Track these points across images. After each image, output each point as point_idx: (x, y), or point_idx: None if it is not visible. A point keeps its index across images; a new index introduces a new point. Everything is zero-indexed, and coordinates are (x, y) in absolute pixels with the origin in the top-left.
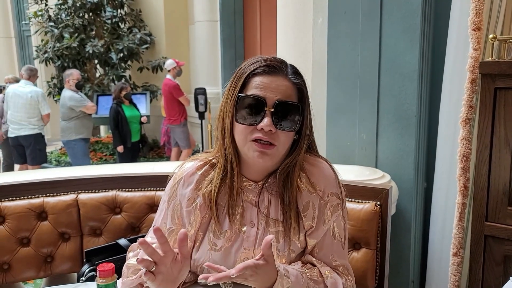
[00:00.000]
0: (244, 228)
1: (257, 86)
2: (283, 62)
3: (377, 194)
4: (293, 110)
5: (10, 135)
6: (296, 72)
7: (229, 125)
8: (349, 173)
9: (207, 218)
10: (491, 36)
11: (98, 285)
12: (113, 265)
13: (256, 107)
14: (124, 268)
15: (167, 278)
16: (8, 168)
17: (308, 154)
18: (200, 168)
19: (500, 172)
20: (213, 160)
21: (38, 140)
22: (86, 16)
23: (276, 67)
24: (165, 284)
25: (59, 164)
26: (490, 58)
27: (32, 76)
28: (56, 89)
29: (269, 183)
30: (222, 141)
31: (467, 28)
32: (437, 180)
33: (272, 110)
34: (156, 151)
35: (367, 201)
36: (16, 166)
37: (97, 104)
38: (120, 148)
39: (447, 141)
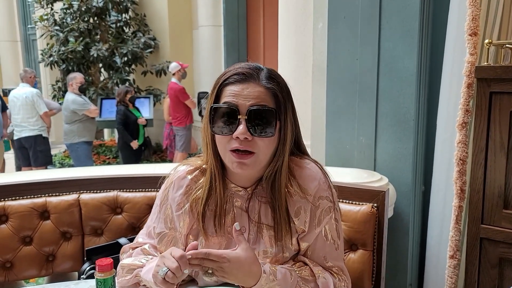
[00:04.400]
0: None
1: (229, 95)
2: (256, 68)
3: (374, 196)
4: (268, 115)
5: (14, 137)
6: (270, 77)
7: (209, 136)
8: (347, 176)
9: (197, 224)
10: (486, 41)
11: (97, 279)
12: (112, 260)
13: (230, 115)
14: (118, 268)
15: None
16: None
17: (298, 157)
18: (191, 173)
19: (496, 175)
20: (203, 166)
21: (38, 142)
22: (91, 20)
23: (247, 74)
24: (166, 285)
25: (62, 166)
26: (486, 63)
27: (26, 77)
28: (61, 92)
29: (258, 190)
30: (206, 153)
31: (464, 33)
32: (434, 183)
33: (246, 117)
34: (159, 155)
35: (364, 203)
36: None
37: (101, 107)
38: (134, 144)
39: (445, 145)
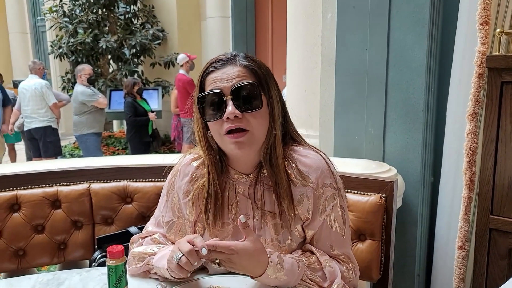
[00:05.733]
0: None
1: (211, 83)
2: (232, 54)
3: (383, 186)
4: (251, 90)
5: (24, 129)
6: (246, 57)
7: (201, 129)
8: (355, 167)
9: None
10: (498, 30)
11: (108, 266)
12: (123, 247)
13: (216, 100)
14: (129, 257)
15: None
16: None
17: (301, 147)
18: (195, 160)
19: (506, 166)
20: None
21: (48, 133)
22: (100, 11)
23: (224, 59)
24: (180, 271)
25: (72, 157)
26: (497, 53)
27: (35, 69)
28: (70, 84)
29: (261, 177)
30: (200, 148)
31: (476, 22)
32: (444, 174)
33: (231, 96)
34: (168, 146)
35: (373, 194)
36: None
37: (110, 99)
38: (151, 115)
39: (455, 135)
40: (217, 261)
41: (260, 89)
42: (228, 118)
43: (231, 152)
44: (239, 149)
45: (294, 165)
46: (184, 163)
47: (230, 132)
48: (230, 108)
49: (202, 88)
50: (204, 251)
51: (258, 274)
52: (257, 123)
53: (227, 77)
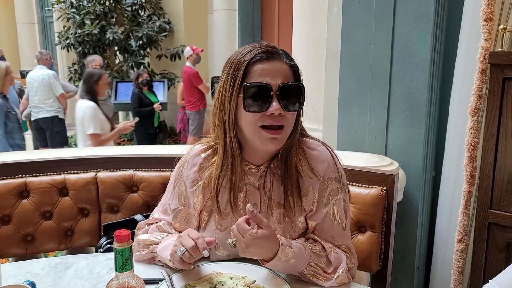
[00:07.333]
0: None
1: (259, 74)
2: (275, 47)
3: (384, 179)
4: (295, 90)
5: (32, 118)
6: (289, 56)
7: (232, 116)
8: (358, 160)
9: (211, 202)
10: (501, 27)
11: (115, 249)
12: (129, 231)
13: (262, 93)
14: (134, 243)
15: None
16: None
17: (309, 139)
18: (204, 151)
19: (506, 161)
20: (215, 146)
21: (55, 123)
22: (107, 3)
23: (273, 52)
24: (182, 265)
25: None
26: (500, 49)
27: (42, 59)
28: (77, 74)
29: (272, 168)
30: (223, 132)
31: (480, 18)
32: (445, 168)
33: (278, 93)
34: (173, 138)
35: (374, 186)
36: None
37: (116, 90)
38: (157, 106)
39: (457, 131)
40: (233, 243)
41: (302, 90)
42: (272, 113)
43: (262, 145)
44: (273, 144)
45: (302, 157)
46: (192, 153)
47: (267, 126)
48: (276, 105)
49: (245, 74)
50: (205, 253)
51: (270, 257)
52: (292, 120)
53: (276, 72)
